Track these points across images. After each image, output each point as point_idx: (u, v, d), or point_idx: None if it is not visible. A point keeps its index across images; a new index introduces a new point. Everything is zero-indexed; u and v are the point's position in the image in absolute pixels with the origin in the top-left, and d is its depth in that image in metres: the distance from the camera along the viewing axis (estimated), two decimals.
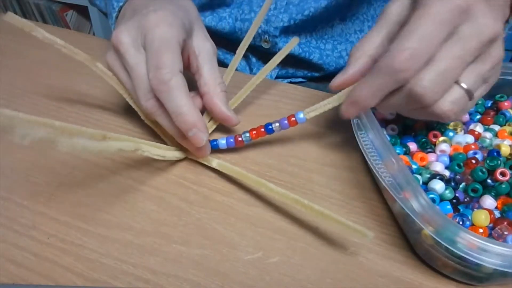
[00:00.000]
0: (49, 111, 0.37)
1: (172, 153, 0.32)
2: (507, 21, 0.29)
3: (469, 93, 0.25)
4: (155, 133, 0.35)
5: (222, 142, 0.32)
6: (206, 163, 0.32)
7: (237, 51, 0.36)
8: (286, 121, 0.31)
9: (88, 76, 0.41)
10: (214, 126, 0.35)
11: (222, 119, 0.32)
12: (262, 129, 0.31)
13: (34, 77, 0.42)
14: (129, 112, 0.37)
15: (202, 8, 0.48)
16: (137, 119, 0.37)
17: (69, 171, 0.31)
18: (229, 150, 0.33)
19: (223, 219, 0.28)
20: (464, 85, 0.25)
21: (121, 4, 0.37)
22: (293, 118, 0.31)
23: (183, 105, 0.27)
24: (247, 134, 0.32)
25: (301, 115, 0.31)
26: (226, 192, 0.30)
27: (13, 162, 0.32)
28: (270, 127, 0.31)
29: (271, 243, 0.27)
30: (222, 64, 0.48)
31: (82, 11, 1.54)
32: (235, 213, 0.29)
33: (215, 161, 0.31)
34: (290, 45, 0.37)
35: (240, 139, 0.32)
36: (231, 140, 0.32)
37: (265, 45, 0.48)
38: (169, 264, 0.26)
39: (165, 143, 0.33)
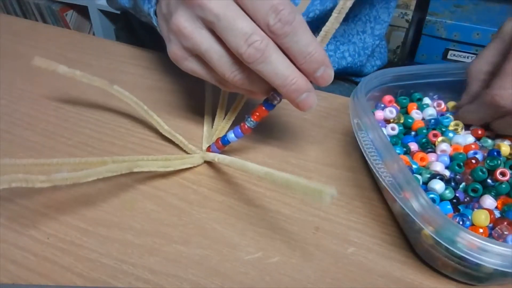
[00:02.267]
0: (49, 111, 0.37)
1: (177, 162, 0.31)
2: None
3: None
4: (155, 133, 0.35)
5: (231, 135, 0.31)
6: (210, 160, 0.32)
7: None
8: None
9: None
10: (227, 126, 0.34)
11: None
12: (263, 108, 0.30)
13: (34, 77, 0.42)
14: (128, 112, 0.37)
15: None
16: (137, 120, 0.37)
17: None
18: (230, 150, 0.33)
19: (223, 219, 0.28)
20: None
21: None
22: None
23: (312, 42, 0.25)
24: (250, 118, 0.30)
25: None
26: (226, 192, 0.30)
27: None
28: (269, 102, 0.29)
29: (271, 243, 0.27)
30: None
31: (82, 11, 1.54)
32: (235, 213, 0.29)
33: (217, 157, 0.31)
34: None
35: (246, 126, 0.30)
36: (238, 130, 0.31)
37: None
38: (169, 264, 0.26)
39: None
